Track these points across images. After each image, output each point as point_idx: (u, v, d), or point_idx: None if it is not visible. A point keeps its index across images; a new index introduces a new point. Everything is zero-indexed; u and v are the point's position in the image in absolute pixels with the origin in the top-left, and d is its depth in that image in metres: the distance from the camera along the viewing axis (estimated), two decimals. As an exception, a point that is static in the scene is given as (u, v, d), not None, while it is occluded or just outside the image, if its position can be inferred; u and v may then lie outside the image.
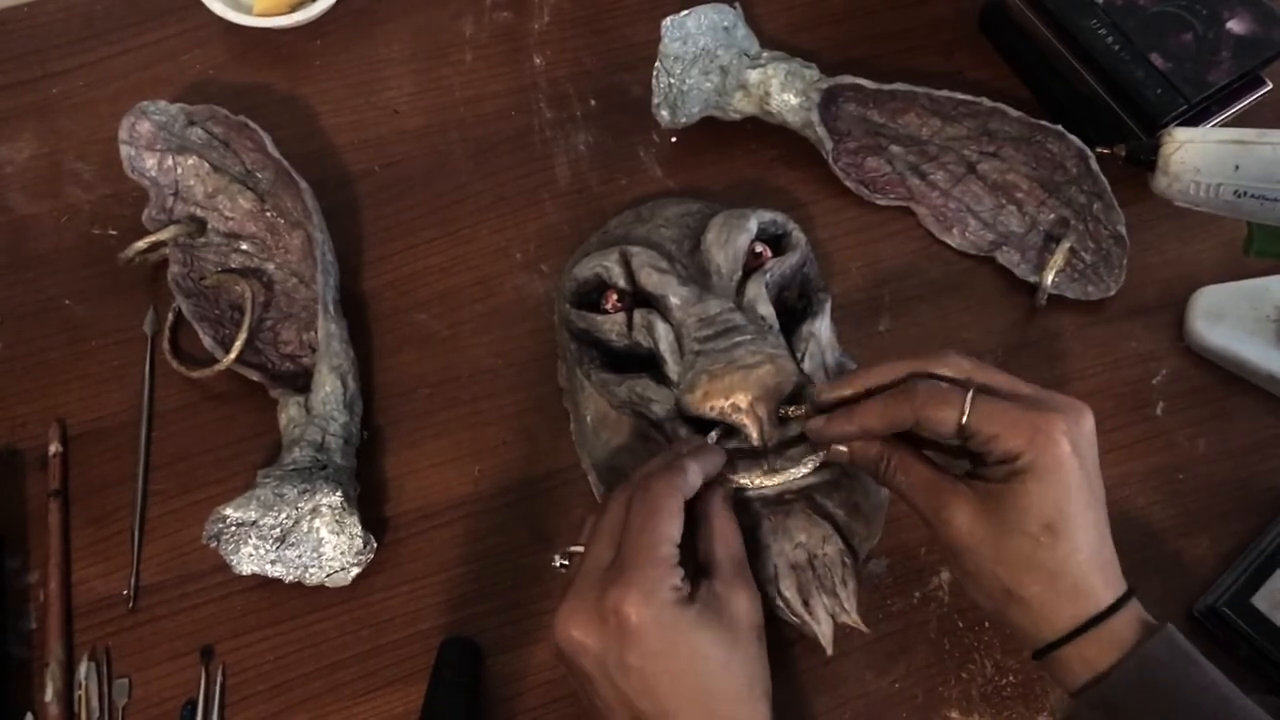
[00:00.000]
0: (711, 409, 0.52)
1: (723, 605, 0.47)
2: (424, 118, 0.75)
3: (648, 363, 0.57)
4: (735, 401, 0.52)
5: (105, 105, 0.74)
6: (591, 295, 0.60)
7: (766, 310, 0.56)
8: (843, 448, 0.51)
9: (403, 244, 0.71)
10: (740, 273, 0.57)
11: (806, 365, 0.56)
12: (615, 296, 0.59)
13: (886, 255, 0.71)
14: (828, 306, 0.60)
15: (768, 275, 0.57)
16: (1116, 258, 0.68)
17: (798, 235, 0.60)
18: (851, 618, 0.54)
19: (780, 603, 0.53)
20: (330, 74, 0.76)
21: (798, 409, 0.52)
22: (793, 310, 0.60)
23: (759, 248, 0.59)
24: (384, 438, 0.66)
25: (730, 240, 0.57)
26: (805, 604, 0.53)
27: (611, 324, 0.58)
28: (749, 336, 0.54)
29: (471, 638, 0.60)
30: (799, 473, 0.53)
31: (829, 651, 0.54)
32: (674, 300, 0.55)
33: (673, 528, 0.47)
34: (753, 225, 0.58)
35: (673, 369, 0.55)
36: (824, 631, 0.54)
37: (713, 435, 0.53)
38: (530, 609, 0.61)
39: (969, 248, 0.71)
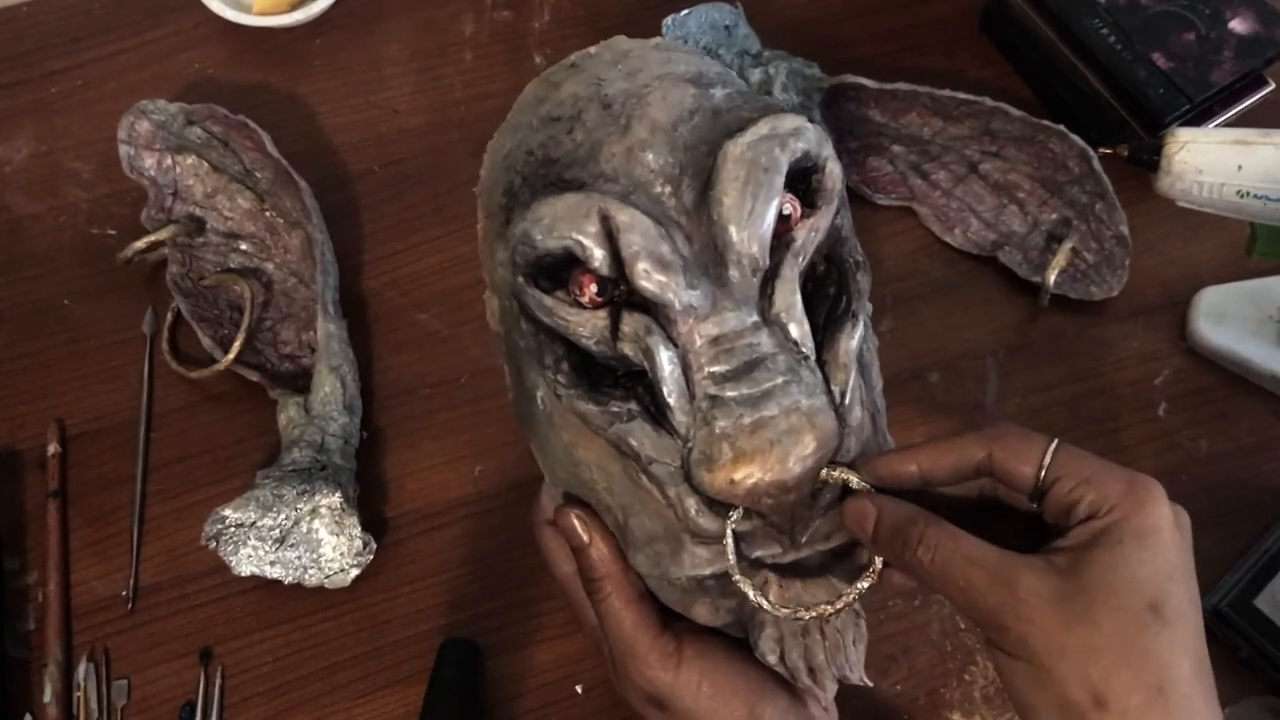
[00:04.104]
0: (735, 494, 0.39)
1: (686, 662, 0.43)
2: (424, 117, 0.75)
3: (639, 374, 0.41)
4: (766, 488, 0.39)
5: (104, 104, 0.74)
6: (556, 270, 0.41)
7: (800, 331, 0.40)
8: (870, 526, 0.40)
9: (403, 244, 0.71)
10: (767, 263, 0.40)
11: (850, 417, 0.41)
12: (594, 286, 0.40)
13: (888, 255, 0.71)
14: (866, 300, 0.44)
15: (800, 260, 0.41)
16: (1119, 258, 0.67)
17: (833, 169, 0.42)
18: (859, 677, 0.44)
19: (782, 670, 0.43)
20: (330, 73, 0.76)
21: (833, 468, 0.40)
22: (819, 291, 0.44)
23: (787, 207, 0.41)
24: (384, 438, 0.65)
25: (756, 214, 0.39)
26: (812, 671, 0.43)
27: (589, 326, 0.41)
28: (780, 379, 0.39)
29: (471, 639, 0.60)
30: (828, 546, 0.42)
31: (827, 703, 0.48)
32: (678, 308, 0.39)
33: (630, 619, 0.43)
34: (782, 177, 0.40)
35: (679, 419, 0.40)
36: (828, 694, 0.44)
37: (733, 516, 0.40)
38: (530, 610, 0.61)
39: (971, 248, 0.70)
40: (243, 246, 0.69)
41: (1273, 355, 0.65)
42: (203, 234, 0.69)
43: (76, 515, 0.63)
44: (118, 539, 0.63)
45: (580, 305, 0.41)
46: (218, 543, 0.58)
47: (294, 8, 0.76)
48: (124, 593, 0.61)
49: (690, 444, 0.40)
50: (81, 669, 0.59)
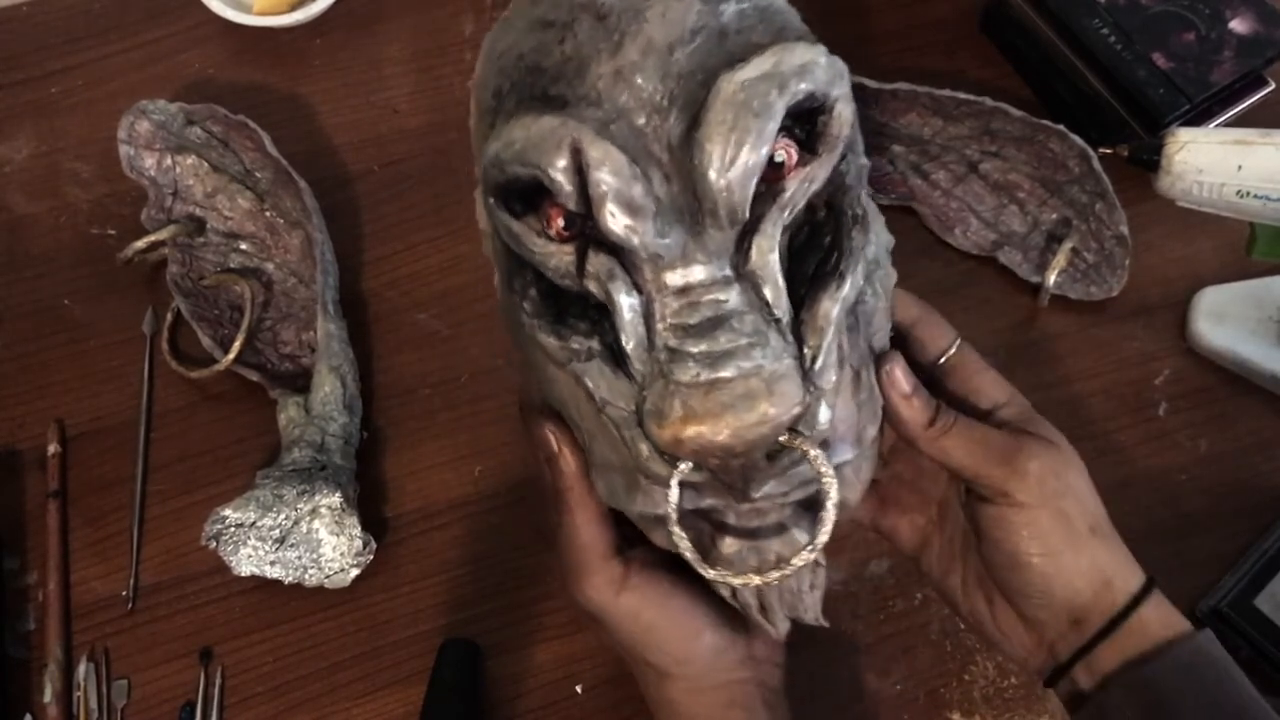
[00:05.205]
0: (682, 451, 0.38)
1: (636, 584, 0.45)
2: (424, 117, 0.75)
3: (604, 308, 0.39)
4: (713, 450, 0.37)
5: (104, 104, 0.74)
6: (529, 194, 0.39)
7: (774, 292, 0.38)
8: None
9: (403, 244, 0.71)
10: (748, 215, 0.37)
11: (822, 380, 0.38)
12: (561, 220, 0.38)
13: (888, 255, 0.71)
14: (867, 249, 0.40)
15: (786, 214, 0.38)
16: (1119, 258, 0.67)
17: (841, 112, 0.38)
18: (813, 618, 0.45)
19: (734, 603, 0.44)
20: (330, 73, 0.76)
21: (794, 437, 0.38)
22: (814, 239, 0.40)
23: (780, 153, 0.38)
24: (384, 438, 0.65)
25: (741, 162, 0.36)
26: (763, 607, 0.44)
27: (555, 258, 0.39)
28: (744, 340, 0.37)
29: (471, 639, 0.60)
30: (781, 497, 0.40)
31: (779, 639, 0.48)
32: (644, 255, 0.37)
33: (586, 536, 0.44)
34: (776, 123, 0.36)
35: (637, 367, 0.38)
36: (779, 631, 0.45)
37: (682, 467, 0.39)
38: (530, 610, 0.61)
39: (971, 248, 0.70)
40: (243, 246, 0.69)
41: (1273, 355, 0.65)
42: (203, 234, 0.69)
43: (76, 515, 0.63)
44: (118, 539, 0.63)
45: (548, 236, 0.39)
46: (218, 543, 0.58)
47: (294, 8, 0.76)
48: (124, 593, 0.61)
49: (646, 392, 0.38)
50: (81, 669, 0.59)
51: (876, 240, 0.42)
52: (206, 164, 0.69)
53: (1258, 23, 0.69)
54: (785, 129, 0.37)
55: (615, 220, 0.36)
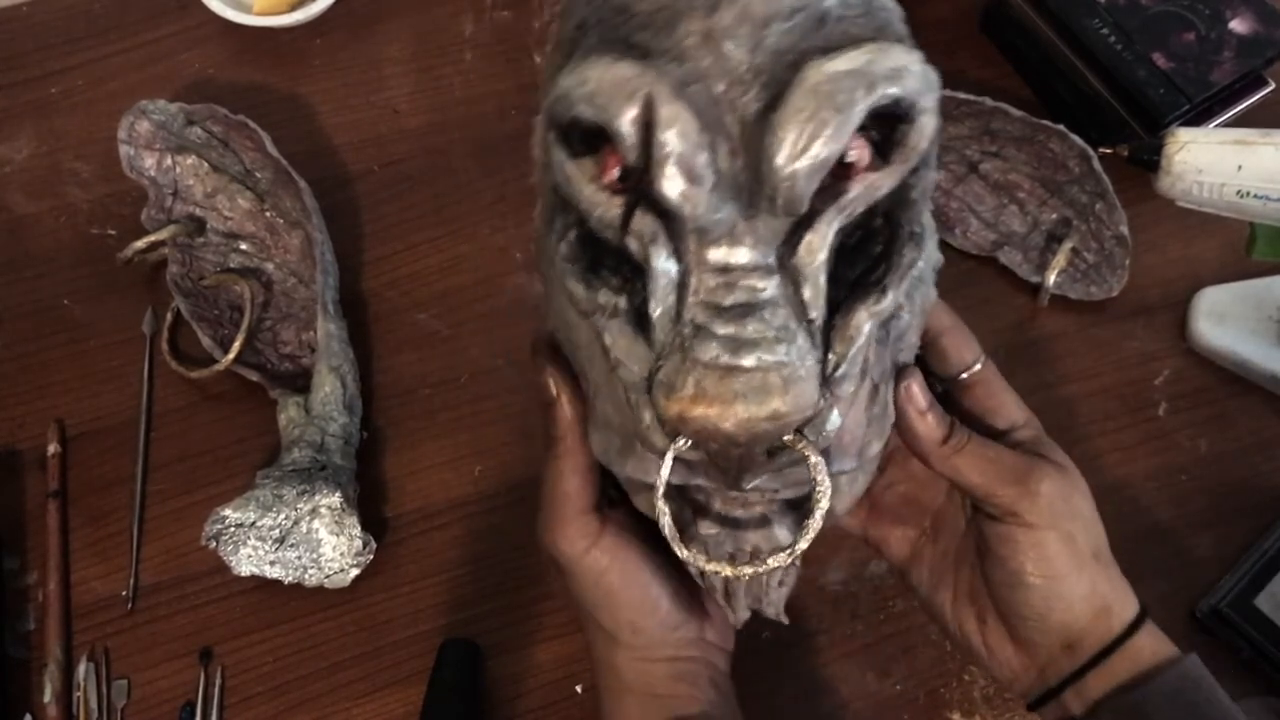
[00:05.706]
0: (685, 429, 0.38)
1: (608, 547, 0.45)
2: (424, 117, 0.75)
3: (639, 268, 0.39)
4: (714, 435, 0.37)
5: (104, 104, 0.74)
6: (592, 136, 0.38)
7: (813, 293, 0.37)
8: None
9: (403, 244, 0.71)
10: (806, 209, 0.36)
11: (840, 389, 0.38)
12: (617, 171, 0.37)
13: (888, 255, 0.71)
14: (915, 266, 0.39)
15: (843, 216, 0.37)
16: (1119, 258, 0.67)
17: (924, 125, 0.36)
18: (775, 613, 0.46)
19: (701, 581, 0.45)
20: (330, 73, 0.76)
21: (799, 439, 0.38)
22: (865, 246, 0.40)
23: (853, 153, 0.36)
24: (384, 438, 0.65)
25: (811, 155, 0.35)
26: (727, 593, 0.45)
27: (602, 208, 0.38)
28: (772, 333, 0.36)
29: (471, 639, 0.60)
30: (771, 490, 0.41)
31: (737, 625, 0.48)
32: (691, 226, 0.36)
33: (570, 485, 0.44)
34: (855, 123, 0.34)
35: (659, 335, 0.38)
36: (739, 618, 0.46)
37: (681, 444, 0.39)
38: (530, 610, 0.61)
39: (971, 248, 0.70)
40: (243, 246, 0.69)
41: (1273, 355, 0.65)
42: (203, 234, 0.69)
43: (76, 515, 0.63)
44: (118, 539, 0.63)
45: (600, 184, 0.37)
46: (218, 543, 0.58)
47: (294, 8, 0.76)
48: (124, 593, 0.61)
49: (662, 362, 0.38)
50: (81, 669, 0.59)
51: (927, 259, 0.41)
52: (206, 164, 0.69)
53: (1258, 23, 0.69)
54: (863, 128, 0.35)
55: (672, 184, 0.35)
